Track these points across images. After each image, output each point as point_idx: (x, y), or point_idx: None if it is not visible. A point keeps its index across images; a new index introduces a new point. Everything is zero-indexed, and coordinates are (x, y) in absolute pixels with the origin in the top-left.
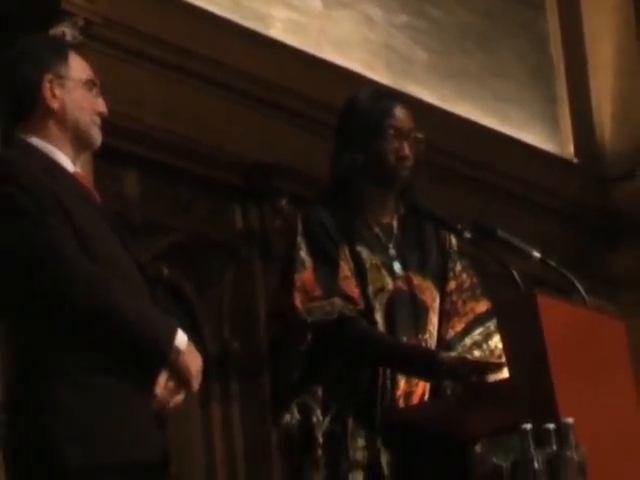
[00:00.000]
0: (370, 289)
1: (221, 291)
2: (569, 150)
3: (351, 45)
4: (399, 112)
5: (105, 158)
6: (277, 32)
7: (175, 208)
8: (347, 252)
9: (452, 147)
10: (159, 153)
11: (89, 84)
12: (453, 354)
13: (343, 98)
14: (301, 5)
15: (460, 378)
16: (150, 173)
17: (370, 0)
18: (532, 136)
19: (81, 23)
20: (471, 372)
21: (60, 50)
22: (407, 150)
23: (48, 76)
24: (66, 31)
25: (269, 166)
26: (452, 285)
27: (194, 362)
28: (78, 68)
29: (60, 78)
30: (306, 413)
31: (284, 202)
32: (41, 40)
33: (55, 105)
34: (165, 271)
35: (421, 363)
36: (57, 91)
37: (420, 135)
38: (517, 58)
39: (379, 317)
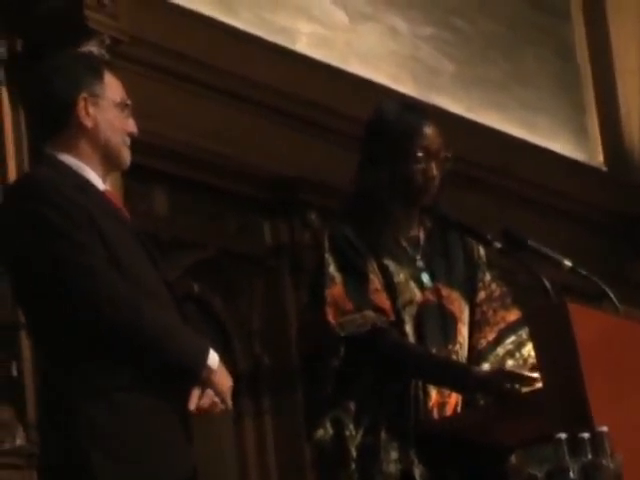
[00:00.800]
0: (399, 302)
1: (251, 306)
2: (598, 158)
3: (377, 58)
4: (428, 130)
5: (133, 176)
6: (302, 46)
7: (204, 224)
8: (375, 266)
9: (479, 157)
10: (186, 169)
11: (122, 105)
12: (486, 368)
13: (370, 111)
14: (326, 19)
15: (493, 392)
16: (178, 190)
17: (395, 12)
18: (560, 144)
19: (107, 41)
20: (505, 382)
21: (96, 68)
22: (434, 171)
23: (83, 94)
24: (93, 50)
25: (296, 180)
26: (482, 295)
27: (225, 381)
28: (113, 88)
29: (95, 97)
30: (339, 427)
31: (313, 216)
32: (77, 57)
33: (88, 123)
34: (195, 287)
35: (454, 377)
36: (91, 110)
37: (448, 154)
38: (543, 66)
39: (409, 329)
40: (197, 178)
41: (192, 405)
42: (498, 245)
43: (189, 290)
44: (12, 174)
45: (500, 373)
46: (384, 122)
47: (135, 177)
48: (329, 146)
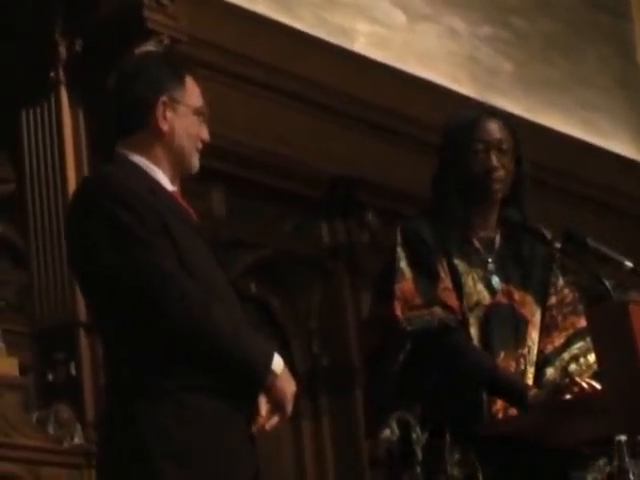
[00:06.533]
0: (465, 303)
1: (309, 306)
2: None
3: (435, 58)
4: (486, 123)
5: (191, 176)
6: (361, 46)
7: (261, 224)
8: (445, 265)
9: (539, 158)
10: (244, 170)
11: (199, 112)
12: (550, 373)
13: (428, 111)
14: (385, 19)
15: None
16: (236, 190)
17: (453, 12)
18: (620, 144)
19: (167, 41)
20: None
21: (178, 73)
22: (495, 161)
23: (163, 98)
24: (152, 50)
25: (354, 180)
26: (553, 300)
27: (289, 386)
28: (192, 94)
29: (174, 102)
30: (406, 429)
31: (370, 216)
32: (161, 59)
33: (165, 128)
34: (253, 287)
35: (510, 397)
36: (169, 114)
37: (507, 146)
38: (602, 66)
39: (474, 331)
40: (255, 179)
41: (262, 409)
42: (558, 245)
43: (246, 290)
44: (71, 172)
45: (557, 393)
46: (449, 125)
47: (193, 177)
48: (386, 146)
